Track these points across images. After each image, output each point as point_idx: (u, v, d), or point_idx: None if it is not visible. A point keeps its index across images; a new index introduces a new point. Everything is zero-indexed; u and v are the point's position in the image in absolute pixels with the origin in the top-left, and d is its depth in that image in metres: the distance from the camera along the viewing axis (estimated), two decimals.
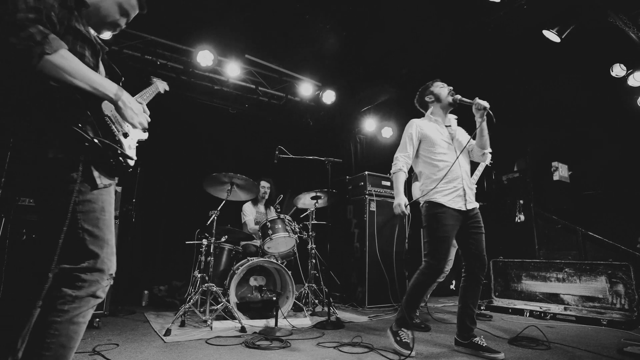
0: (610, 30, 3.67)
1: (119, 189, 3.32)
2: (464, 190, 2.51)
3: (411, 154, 2.62)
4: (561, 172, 5.43)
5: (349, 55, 5.05)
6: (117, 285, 3.35)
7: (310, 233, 4.12)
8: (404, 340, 2.43)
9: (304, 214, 4.32)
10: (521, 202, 4.89)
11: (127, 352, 2.39)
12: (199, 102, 5.44)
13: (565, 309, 3.73)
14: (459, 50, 4.54)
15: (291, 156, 3.67)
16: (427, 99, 2.73)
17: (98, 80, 1.25)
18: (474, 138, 2.61)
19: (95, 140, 1.24)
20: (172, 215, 5.08)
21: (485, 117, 2.49)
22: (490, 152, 2.68)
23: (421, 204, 2.61)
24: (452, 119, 2.75)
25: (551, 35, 3.65)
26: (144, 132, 1.61)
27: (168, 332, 2.83)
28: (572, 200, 5.31)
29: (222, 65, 5.04)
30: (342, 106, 6.21)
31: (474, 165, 3.54)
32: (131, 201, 4.11)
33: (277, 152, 3.66)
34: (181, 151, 5.20)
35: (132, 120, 1.37)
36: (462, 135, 2.73)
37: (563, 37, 3.62)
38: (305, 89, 5.55)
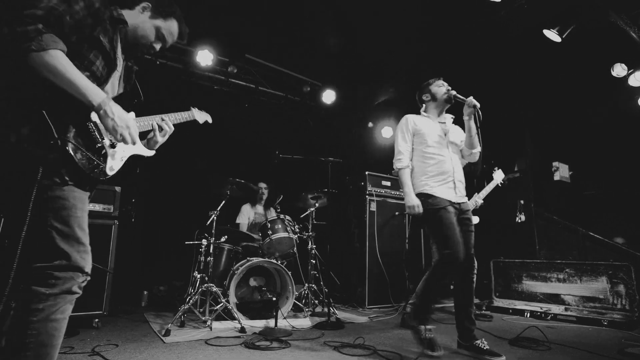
0: (611, 30, 3.67)
1: (118, 189, 3.31)
2: (454, 183, 2.54)
3: (410, 149, 2.65)
4: (561, 172, 5.43)
5: (349, 55, 5.05)
6: (117, 286, 3.34)
7: (310, 233, 4.11)
8: (427, 337, 2.36)
9: (304, 214, 4.31)
10: (521, 202, 4.88)
11: (126, 353, 2.39)
12: (199, 102, 5.43)
13: (565, 309, 3.72)
14: (459, 50, 4.53)
15: (291, 156, 3.67)
16: (424, 97, 2.77)
17: (83, 85, 1.23)
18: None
19: (62, 141, 1.21)
20: (171, 215, 5.07)
21: (472, 116, 2.50)
22: (479, 152, 2.68)
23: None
24: (447, 117, 2.78)
25: (552, 35, 3.65)
26: (150, 150, 1.65)
27: (167, 333, 2.82)
28: (572, 200, 5.31)
29: (222, 65, 5.03)
30: (342, 106, 6.21)
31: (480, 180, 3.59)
32: (131, 201, 4.10)
33: (277, 152, 3.66)
34: (181, 151, 5.18)
35: (113, 132, 1.32)
36: (456, 133, 2.75)
37: (564, 37, 3.62)
38: (305, 89, 5.54)
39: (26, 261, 1.20)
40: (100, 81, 1.38)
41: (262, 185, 4.65)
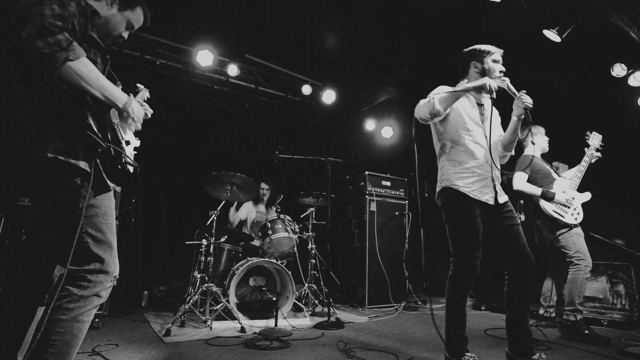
0: (610, 30, 3.67)
1: (118, 189, 3.32)
2: (492, 180, 2.13)
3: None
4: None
5: (349, 55, 5.04)
6: (117, 286, 3.33)
7: (310, 233, 4.11)
8: None
9: (304, 214, 4.31)
10: (522, 202, 4.88)
11: (126, 353, 2.39)
12: (199, 102, 5.44)
13: None
14: (459, 50, 4.52)
15: (291, 156, 3.67)
16: (472, 66, 2.26)
17: (111, 89, 1.32)
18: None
19: (111, 147, 1.31)
20: (172, 215, 5.08)
21: (522, 117, 2.14)
22: (511, 155, 2.35)
23: (439, 190, 2.19)
24: (486, 97, 2.30)
25: (551, 35, 3.65)
26: (136, 139, 1.70)
27: (168, 333, 2.83)
28: None
29: (222, 65, 5.03)
30: (342, 106, 6.21)
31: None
32: (131, 201, 4.10)
33: (277, 152, 3.67)
34: (181, 151, 5.19)
35: (131, 127, 1.50)
36: (497, 119, 2.34)
37: (563, 36, 3.62)
38: (305, 89, 5.55)
39: (56, 264, 1.30)
40: None
41: (264, 185, 4.66)
